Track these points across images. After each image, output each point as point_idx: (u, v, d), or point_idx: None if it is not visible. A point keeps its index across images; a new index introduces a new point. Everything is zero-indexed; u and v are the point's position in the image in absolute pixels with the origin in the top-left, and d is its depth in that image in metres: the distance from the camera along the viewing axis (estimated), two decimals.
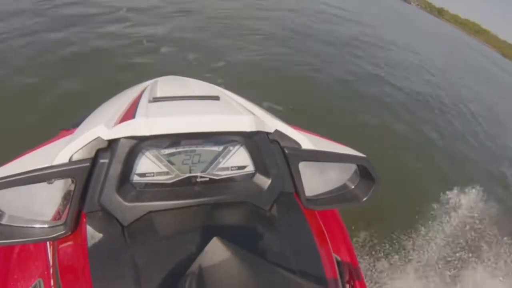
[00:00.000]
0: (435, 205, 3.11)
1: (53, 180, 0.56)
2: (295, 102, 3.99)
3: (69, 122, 0.94)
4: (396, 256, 2.45)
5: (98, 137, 0.57)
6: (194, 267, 0.42)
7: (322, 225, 0.69)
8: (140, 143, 0.57)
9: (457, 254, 2.62)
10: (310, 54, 6.21)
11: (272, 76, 4.74)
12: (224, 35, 5.86)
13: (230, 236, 0.47)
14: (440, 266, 2.50)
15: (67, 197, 0.58)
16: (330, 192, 0.76)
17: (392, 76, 6.74)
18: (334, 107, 4.49)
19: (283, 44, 6.36)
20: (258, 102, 0.86)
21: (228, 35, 5.94)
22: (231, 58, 4.92)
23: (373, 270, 2.28)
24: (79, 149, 0.56)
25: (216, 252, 0.43)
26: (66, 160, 0.55)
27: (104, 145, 0.57)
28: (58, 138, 0.65)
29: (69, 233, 0.57)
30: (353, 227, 2.44)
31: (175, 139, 0.62)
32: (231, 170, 0.68)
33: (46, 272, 0.60)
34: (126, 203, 0.57)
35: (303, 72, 5.31)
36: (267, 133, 0.65)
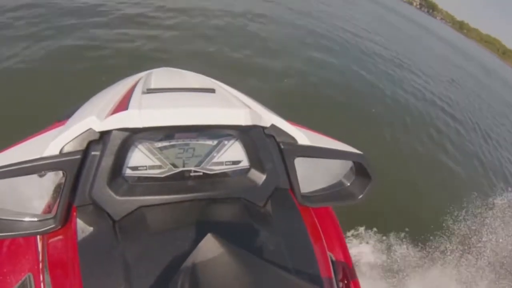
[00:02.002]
0: None
1: (44, 172, 0.55)
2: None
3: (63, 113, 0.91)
4: None
5: (90, 128, 0.55)
6: (188, 263, 0.41)
7: (317, 222, 0.68)
8: (132, 136, 0.56)
9: None
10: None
11: None
12: None
13: (223, 232, 0.46)
14: None
15: (58, 190, 0.57)
16: (326, 189, 0.76)
17: None
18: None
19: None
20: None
21: None
22: None
23: None
24: (70, 141, 0.54)
25: (210, 248, 0.42)
26: (56, 152, 0.53)
27: (96, 137, 0.56)
28: (51, 129, 0.63)
29: (59, 227, 0.55)
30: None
31: (168, 132, 0.60)
32: (225, 165, 0.67)
33: (36, 267, 0.58)
34: (117, 197, 0.56)
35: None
36: (263, 128, 0.64)
